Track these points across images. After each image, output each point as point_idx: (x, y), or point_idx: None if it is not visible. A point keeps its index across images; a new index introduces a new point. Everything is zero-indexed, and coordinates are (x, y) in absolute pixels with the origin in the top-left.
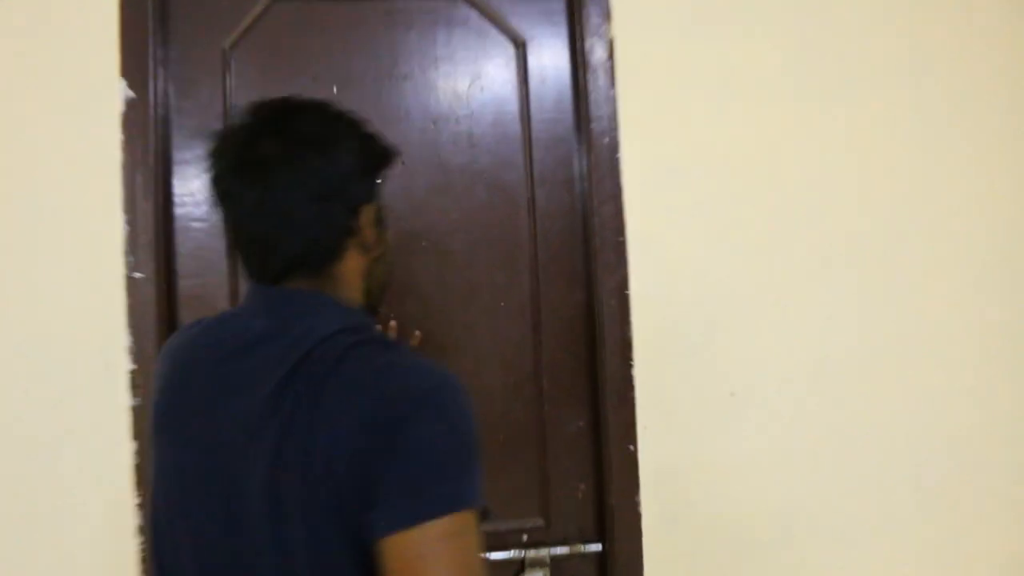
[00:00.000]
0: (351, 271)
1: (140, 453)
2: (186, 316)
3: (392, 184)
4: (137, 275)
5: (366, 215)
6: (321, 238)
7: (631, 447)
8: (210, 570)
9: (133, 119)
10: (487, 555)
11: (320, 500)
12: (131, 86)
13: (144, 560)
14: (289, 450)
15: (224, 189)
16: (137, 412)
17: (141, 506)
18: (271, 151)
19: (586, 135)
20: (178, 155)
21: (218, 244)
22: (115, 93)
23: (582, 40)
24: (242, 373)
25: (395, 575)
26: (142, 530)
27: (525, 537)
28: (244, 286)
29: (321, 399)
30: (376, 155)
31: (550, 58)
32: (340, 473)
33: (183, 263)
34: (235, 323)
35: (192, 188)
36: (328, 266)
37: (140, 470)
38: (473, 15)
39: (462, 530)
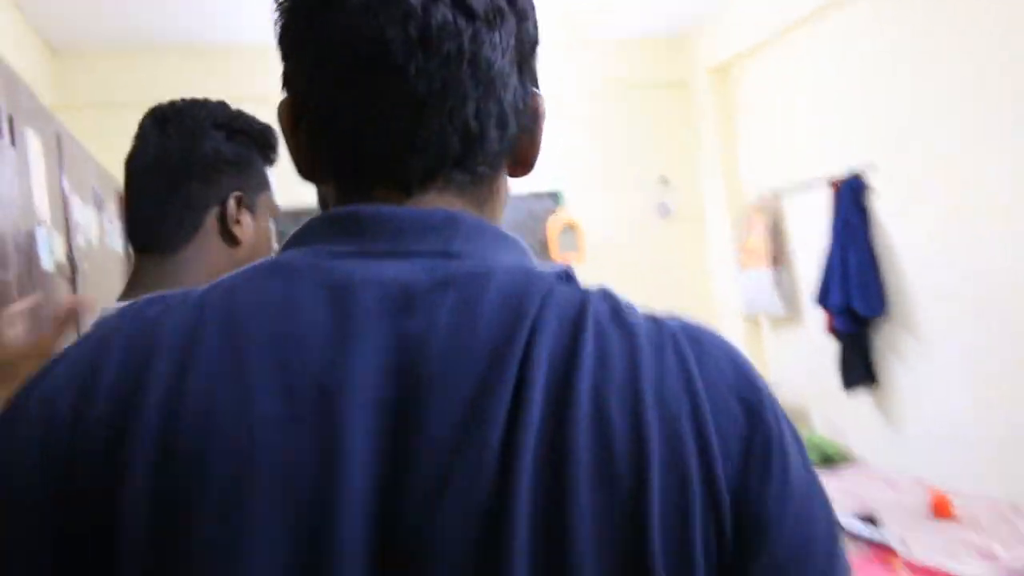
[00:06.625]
0: (504, 191)
1: None
2: None
3: None
4: None
5: (537, 111)
6: (511, 125)
7: None
8: None
9: None
10: None
11: None
12: None
13: None
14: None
15: (374, 38)
16: None
17: None
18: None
19: None
20: None
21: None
22: None
23: None
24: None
25: None
26: None
27: None
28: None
29: (586, 406)
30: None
31: None
32: (648, 537)
33: None
34: (355, 272)
35: None
36: (492, 176)
37: None
38: None
39: None
